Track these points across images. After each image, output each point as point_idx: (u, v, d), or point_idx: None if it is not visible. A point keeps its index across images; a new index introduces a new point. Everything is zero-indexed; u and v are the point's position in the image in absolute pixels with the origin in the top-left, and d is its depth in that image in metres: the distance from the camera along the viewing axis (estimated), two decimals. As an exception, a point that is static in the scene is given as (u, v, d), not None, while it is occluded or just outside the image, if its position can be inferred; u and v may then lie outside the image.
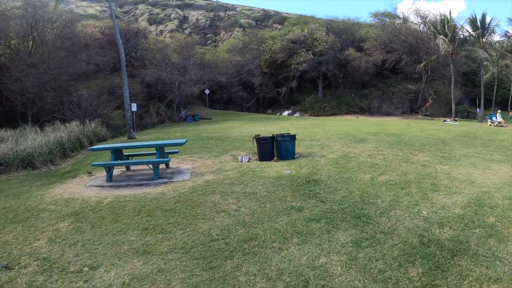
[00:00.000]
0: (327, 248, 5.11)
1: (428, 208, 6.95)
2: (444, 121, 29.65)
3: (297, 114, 37.10)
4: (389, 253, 5.08)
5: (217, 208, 6.79)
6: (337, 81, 39.19)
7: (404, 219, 6.33)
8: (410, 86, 38.27)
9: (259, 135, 11.70)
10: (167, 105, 32.18)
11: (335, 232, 5.67)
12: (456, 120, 30.92)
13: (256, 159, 11.49)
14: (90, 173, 10.67)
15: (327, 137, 16.02)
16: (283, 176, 8.99)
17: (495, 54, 34.82)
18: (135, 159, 10.99)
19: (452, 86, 32.34)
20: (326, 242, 5.30)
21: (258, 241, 5.30)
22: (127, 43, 32.50)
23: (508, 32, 32.21)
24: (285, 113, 38.00)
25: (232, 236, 5.51)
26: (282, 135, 11.38)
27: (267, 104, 44.30)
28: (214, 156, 11.95)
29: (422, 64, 34.01)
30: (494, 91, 36.70)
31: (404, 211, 6.76)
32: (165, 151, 10.73)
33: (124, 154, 10.71)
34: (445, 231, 5.95)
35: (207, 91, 37.19)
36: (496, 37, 39.52)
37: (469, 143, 15.53)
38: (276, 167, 9.97)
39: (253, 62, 40.99)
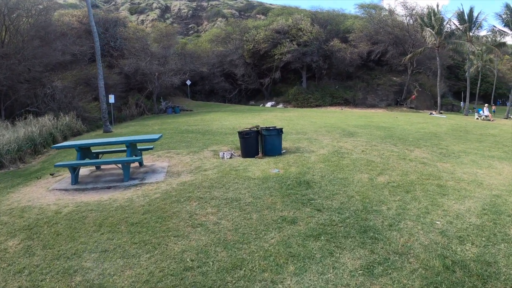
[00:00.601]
0: (332, 279, 3.95)
1: (442, 218, 5.92)
2: (430, 114, 29.00)
3: (280, 106, 35.97)
4: (410, 282, 3.98)
5: (193, 220, 5.56)
6: (321, 72, 38.16)
7: (417, 233, 5.25)
8: (395, 78, 37.57)
9: (251, 128, 10.50)
10: (147, 97, 30.62)
11: (340, 254, 4.51)
12: (441, 113, 30.31)
13: (239, 155, 10.28)
14: (52, 175, 9.29)
15: (314, 130, 14.90)
16: (270, 176, 7.82)
17: (480, 48, 34.37)
18: (105, 158, 9.65)
19: (438, 79, 31.71)
20: (331, 270, 4.14)
21: (244, 271, 4.10)
22: (106, 32, 30.78)
23: (495, 27, 31.63)
24: (268, 104, 36.81)
25: (211, 263, 4.29)
26: (267, 128, 10.19)
27: (250, 95, 43.04)
28: (193, 151, 10.68)
29: (408, 56, 33.26)
30: (478, 85, 36.35)
31: (415, 222, 5.69)
32: (138, 148, 9.44)
33: (94, 151, 9.36)
34: (467, 248, 4.90)
35: (188, 82, 35.65)
36: (483, 32, 39.20)
37: (463, 138, 14.68)
38: (262, 165, 8.78)
39: (235, 52, 39.59)
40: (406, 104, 35.17)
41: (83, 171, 9.16)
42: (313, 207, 6.04)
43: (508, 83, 48.03)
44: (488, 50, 34.40)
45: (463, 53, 33.58)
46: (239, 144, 11.36)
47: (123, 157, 8.88)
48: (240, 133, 10.01)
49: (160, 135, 9.18)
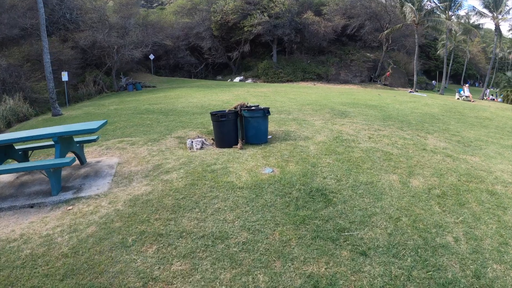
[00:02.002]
0: None
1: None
2: (410, 92, 27.22)
3: (249, 81, 33.13)
4: None
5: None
6: (292, 47, 35.46)
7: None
8: (368, 54, 35.53)
9: (243, 105, 7.78)
10: (106, 73, 26.91)
11: None
12: (417, 91, 28.65)
13: (213, 144, 7.62)
14: None
15: (297, 108, 12.36)
16: (263, 182, 5.27)
17: (458, 28, 32.91)
18: (34, 159, 6.72)
19: (415, 56, 29.91)
20: None
21: None
22: (61, 3, 26.55)
23: (475, 8, 30.05)
24: (237, 79, 33.85)
25: None
26: (249, 108, 7.54)
27: (217, 70, 39.77)
28: (152, 140, 7.88)
29: (385, 32, 31.18)
30: (450, 64, 34.96)
31: (501, 264, 3.53)
32: (78, 140, 6.59)
33: (20, 148, 6.51)
34: None
35: (151, 57, 31.97)
36: (462, 12, 37.80)
37: (465, 122, 12.66)
38: (247, 161, 6.19)
39: (202, 24, 36.00)
40: (380, 81, 33.32)
41: (6, 176, 6.26)
42: (351, 247, 3.59)
43: (478, 64, 47.61)
44: (466, 31, 33.00)
45: (442, 32, 31.94)
46: (211, 128, 8.67)
47: (48, 161, 5.96)
48: (213, 115, 7.29)
49: (103, 122, 6.29)
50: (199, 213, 4.26)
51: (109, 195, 5.01)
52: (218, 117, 7.16)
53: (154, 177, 5.49)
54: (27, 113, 15.67)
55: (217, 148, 7.23)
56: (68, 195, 5.23)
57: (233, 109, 7.85)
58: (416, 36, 29.95)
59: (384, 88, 31.06)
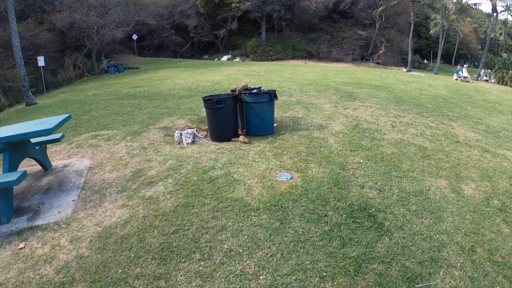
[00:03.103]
0: None
1: None
2: (407, 71, 25.86)
3: (237, 59, 31.30)
4: None
5: None
6: (281, 24, 33.56)
7: None
8: (361, 32, 33.92)
9: (247, 86, 6.24)
10: (87, 56, 24.71)
11: None
12: (411, 70, 27.32)
13: (206, 136, 6.13)
14: None
15: (298, 89, 10.87)
16: (283, 197, 3.89)
17: (455, 6, 31.46)
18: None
19: (410, 35, 28.40)
20: None
21: None
22: None
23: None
24: (224, 58, 31.95)
25: None
26: (250, 92, 6.06)
27: (203, 49, 37.61)
28: (133, 132, 6.35)
29: (379, 9, 29.51)
30: (441, 44, 33.55)
31: None
32: (40, 141, 5.04)
33: None
34: None
35: (134, 37, 29.73)
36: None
37: (477, 106, 11.36)
38: (255, 162, 4.74)
39: (187, 1, 33.67)
40: (372, 59, 31.86)
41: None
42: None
43: (469, 44, 46.45)
44: (462, 9, 31.54)
45: (437, 9, 30.45)
46: (202, 114, 7.21)
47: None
48: (207, 100, 5.76)
49: (63, 117, 4.73)
50: (201, 263, 2.82)
51: (72, 224, 3.54)
52: (213, 103, 5.65)
53: (133, 193, 4.00)
54: (-1, 104, 13.93)
55: (213, 142, 5.75)
56: (22, 222, 3.79)
57: (231, 92, 6.36)
58: (411, 14, 28.43)
59: (377, 66, 29.64)
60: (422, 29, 40.81)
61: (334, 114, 7.53)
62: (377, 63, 31.10)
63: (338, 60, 31.22)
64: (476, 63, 45.09)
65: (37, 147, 4.96)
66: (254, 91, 6.29)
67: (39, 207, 4.14)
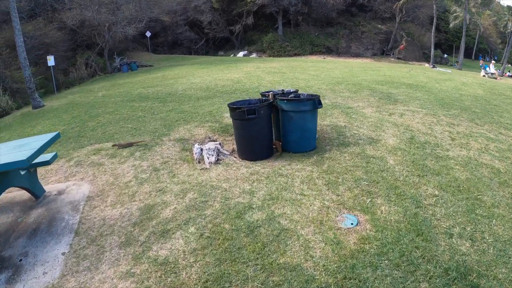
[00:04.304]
0: None
1: None
2: (433, 67, 24.20)
3: (253, 55, 29.91)
4: None
5: None
6: (298, 18, 31.98)
7: None
8: (380, 26, 32.13)
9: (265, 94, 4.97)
10: (99, 54, 23.53)
11: None
12: (434, 66, 25.59)
13: (233, 152, 4.88)
14: None
15: (329, 88, 9.53)
16: (357, 260, 2.59)
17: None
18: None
19: (433, 28, 26.67)
20: None
21: None
22: None
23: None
24: (240, 54, 30.57)
25: None
26: (288, 97, 4.77)
27: (218, 45, 36.24)
28: (142, 147, 5.11)
29: (401, 2, 27.77)
30: (463, 38, 31.53)
31: None
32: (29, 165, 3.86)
33: None
34: None
35: (148, 34, 28.48)
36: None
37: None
38: (305, 197, 3.50)
39: (201, -4, 32.37)
40: (393, 54, 30.09)
41: None
42: None
43: (489, 38, 44.19)
44: (486, 2, 29.54)
45: (460, 2, 28.58)
46: (224, 121, 5.99)
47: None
48: (234, 109, 4.49)
49: (50, 136, 3.56)
50: None
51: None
52: (242, 113, 4.38)
53: (142, 249, 2.76)
54: (6, 106, 12.90)
55: (243, 162, 4.50)
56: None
57: (263, 97, 5.09)
58: (434, 6, 26.65)
59: (399, 62, 27.95)
60: (441, 23, 38.73)
61: (380, 122, 6.21)
62: (398, 58, 29.37)
63: (357, 55, 29.59)
64: (495, 58, 42.86)
65: (22, 173, 3.79)
66: (291, 95, 5.02)
67: (21, 260, 3.00)
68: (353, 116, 6.53)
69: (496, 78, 21.16)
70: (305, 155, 4.53)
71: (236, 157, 4.69)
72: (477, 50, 41.84)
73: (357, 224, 3.09)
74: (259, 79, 11.18)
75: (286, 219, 3.03)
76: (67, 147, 5.42)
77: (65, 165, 4.74)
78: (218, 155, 4.63)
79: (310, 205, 3.27)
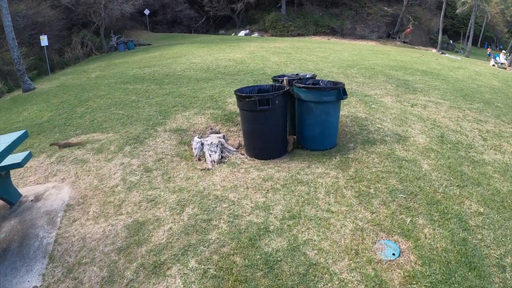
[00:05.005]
0: None
1: None
2: (442, 53, 23.28)
3: (255, 34, 28.77)
4: None
5: None
6: (302, -3, 30.78)
7: None
8: (386, 8, 30.94)
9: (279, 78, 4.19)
10: (96, 33, 22.39)
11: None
12: (443, 52, 24.66)
13: (239, 148, 4.16)
14: None
15: (340, 72, 8.75)
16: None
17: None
18: None
19: (442, 13, 25.63)
20: None
21: None
22: None
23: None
24: (242, 33, 29.39)
25: None
26: (303, 82, 4.00)
27: (219, 24, 34.93)
28: (134, 139, 4.39)
29: (409, -18, 26.64)
30: (471, 25, 30.38)
31: None
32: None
33: None
34: None
35: (146, 12, 27.26)
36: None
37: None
38: (333, 216, 2.78)
39: (202, -28, 30.95)
40: (399, 37, 29.04)
41: None
42: None
43: (495, 27, 42.95)
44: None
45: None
46: (228, 107, 5.26)
47: None
48: (242, 97, 3.74)
49: (14, 138, 2.84)
50: None
51: None
52: (253, 103, 3.63)
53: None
54: (-5, 90, 12.09)
55: (252, 161, 3.79)
56: None
57: (274, 83, 4.33)
58: (444, -12, 25.56)
59: (404, 46, 26.96)
60: (448, 8, 37.45)
61: (404, 114, 5.49)
62: (404, 42, 28.35)
63: (362, 37, 28.53)
64: (501, 46, 41.78)
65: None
66: (309, 81, 4.27)
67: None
68: (373, 106, 5.79)
69: (506, 68, 20.42)
70: (326, 154, 3.82)
71: (243, 154, 3.98)
72: (483, 38, 40.65)
73: (399, 255, 2.42)
74: (264, 59, 10.35)
75: (313, 249, 2.35)
76: (51, 138, 4.69)
77: (45, 162, 4.01)
78: (222, 152, 3.91)
79: (341, 227, 2.58)
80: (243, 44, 16.20)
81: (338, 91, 3.83)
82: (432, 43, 28.79)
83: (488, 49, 27.96)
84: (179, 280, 2.10)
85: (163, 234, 2.52)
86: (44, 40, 14.09)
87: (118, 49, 20.97)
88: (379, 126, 4.80)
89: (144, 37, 25.71)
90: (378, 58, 12.81)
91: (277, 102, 3.69)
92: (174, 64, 10.09)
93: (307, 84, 4.03)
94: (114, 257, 2.36)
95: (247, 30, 29.96)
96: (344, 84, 3.97)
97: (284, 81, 4.26)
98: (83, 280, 2.24)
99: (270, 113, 3.71)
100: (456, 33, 38.20)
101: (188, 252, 2.32)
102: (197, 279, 2.09)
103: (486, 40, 42.17)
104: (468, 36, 28.30)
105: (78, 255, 2.46)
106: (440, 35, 25.84)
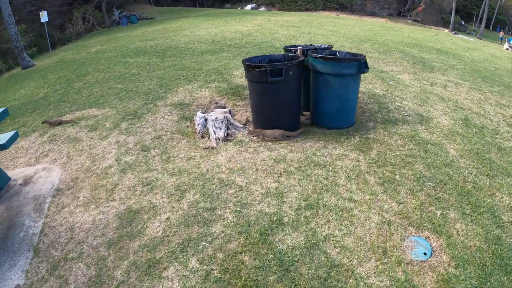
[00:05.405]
0: None
1: None
2: (455, 33, 22.43)
3: (262, 8, 27.88)
4: None
5: None
6: (310, -29, 29.57)
7: None
8: (398, -16, 29.77)
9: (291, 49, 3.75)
10: (97, 7, 21.61)
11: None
12: (457, 33, 23.76)
13: (247, 124, 3.77)
14: None
15: (354, 47, 8.23)
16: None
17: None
18: None
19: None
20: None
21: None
22: None
23: None
24: (248, 7, 28.47)
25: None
26: (323, 54, 3.55)
27: (225, -2, 33.88)
28: (131, 114, 4.02)
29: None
30: (485, 5, 29.14)
31: None
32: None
33: None
34: None
35: None
36: None
37: None
38: (355, 205, 2.41)
39: None
40: (410, 16, 28.04)
41: None
42: None
43: (508, 10, 41.50)
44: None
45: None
46: (234, 80, 4.87)
47: None
48: (251, 67, 3.34)
49: None
50: None
51: None
52: (264, 73, 3.22)
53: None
54: (-7, 68, 11.68)
55: (260, 139, 3.40)
56: None
57: (287, 53, 3.90)
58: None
59: (416, 24, 26.06)
60: (458, -12, 36.23)
61: (424, 93, 5.07)
62: (415, 20, 27.38)
63: (373, 14, 27.58)
64: (512, 30, 40.51)
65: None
66: (325, 52, 3.85)
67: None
68: (391, 83, 5.36)
69: (517, 54, 19.67)
70: (343, 134, 3.43)
71: (250, 130, 3.59)
72: (495, 21, 39.33)
73: (431, 255, 2.08)
74: (272, 32, 9.81)
75: (335, 246, 2.00)
76: (45, 116, 4.32)
77: (37, 141, 3.66)
78: (227, 128, 3.53)
79: (366, 220, 2.23)
80: (249, 17, 15.52)
81: (360, 63, 3.40)
82: (444, 23, 27.81)
83: (501, 32, 26.97)
84: (177, 284, 1.76)
85: (159, 226, 2.18)
86: (44, 16, 13.72)
87: (120, 24, 20.38)
88: (399, 104, 4.39)
89: (147, 11, 24.95)
90: (391, 35, 12.21)
91: (291, 73, 3.27)
92: (178, 36, 9.55)
93: (329, 57, 3.60)
94: (104, 252, 2.04)
95: (254, 4, 29.04)
96: (365, 56, 3.54)
97: (298, 51, 3.83)
98: (68, 279, 1.92)
99: (283, 85, 3.31)
100: (468, 15, 36.92)
101: (188, 249, 1.98)
102: (198, 283, 1.75)
103: (499, 23, 40.80)
104: (481, 18, 27.28)
105: (65, 248, 2.14)
106: (453, 15, 24.87)
